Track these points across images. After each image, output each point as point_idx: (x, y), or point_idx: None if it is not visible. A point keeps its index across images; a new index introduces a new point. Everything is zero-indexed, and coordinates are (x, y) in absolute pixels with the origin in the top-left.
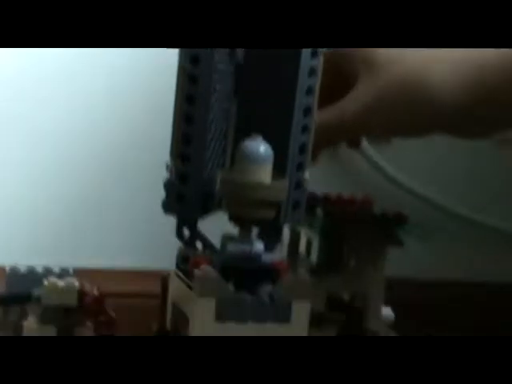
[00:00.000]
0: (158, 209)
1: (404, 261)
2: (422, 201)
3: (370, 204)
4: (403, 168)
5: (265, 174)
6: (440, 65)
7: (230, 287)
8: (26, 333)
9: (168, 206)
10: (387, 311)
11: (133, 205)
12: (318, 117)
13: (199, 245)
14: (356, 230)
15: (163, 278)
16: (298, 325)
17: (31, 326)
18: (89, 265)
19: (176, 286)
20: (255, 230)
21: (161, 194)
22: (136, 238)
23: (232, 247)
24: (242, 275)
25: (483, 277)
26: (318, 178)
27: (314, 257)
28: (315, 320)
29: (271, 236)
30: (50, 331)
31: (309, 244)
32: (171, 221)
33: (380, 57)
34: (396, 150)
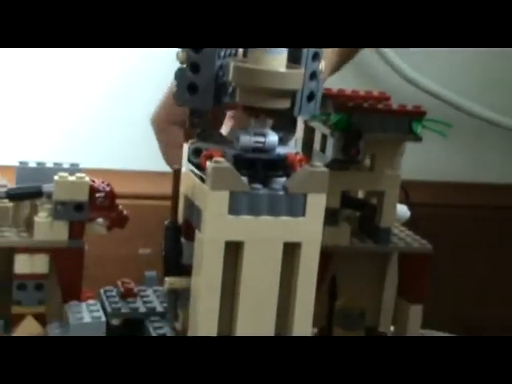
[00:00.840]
0: None
1: (421, 161)
2: (440, 100)
3: (387, 99)
4: (421, 68)
5: (279, 63)
6: None
7: (244, 179)
8: (37, 228)
9: (179, 97)
10: (403, 209)
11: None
12: None
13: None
14: (373, 124)
15: (175, 171)
16: (313, 218)
17: (43, 220)
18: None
19: (188, 179)
20: (269, 122)
21: None
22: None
23: (245, 139)
24: (256, 167)
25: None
26: (333, 79)
27: (328, 153)
28: (329, 216)
29: (286, 128)
30: (62, 227)
31: (323, 140)
32: None
33: None
34: (415, 52)
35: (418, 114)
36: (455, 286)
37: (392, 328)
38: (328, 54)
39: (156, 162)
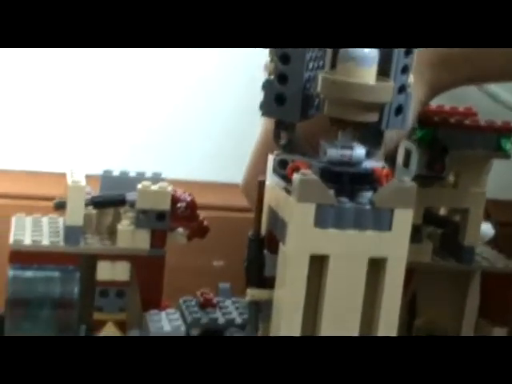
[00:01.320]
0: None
1: (504, 179)
2: None
3: (473, 114)
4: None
5: (369, 76)
6: None
7: (331, 192)
8: (119, 236)
9: (266, 108)
10: (487, 227)
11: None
12: None
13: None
14: (459, 140)
15: (260, 182)
16: (399, 234)
17: (125, 228)
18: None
19: (272, 191)
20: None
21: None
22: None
23: (332, 152)
24: (343, 180)
25: None
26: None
27: (412, 168)
28: (412, 232)
29: (372, 142)
30: (144, 235)
31: (407, 155)
32: None
33: None
34: None
35: (507, 131)
36: None
37: None
38: (417, 92)
39: (231, 174)
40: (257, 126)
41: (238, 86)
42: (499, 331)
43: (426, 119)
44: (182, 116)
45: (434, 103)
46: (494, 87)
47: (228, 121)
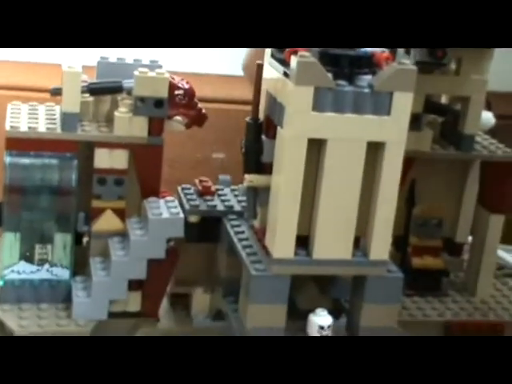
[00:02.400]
0: None
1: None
2: None
3: None
4: None
5: None
6: None
7: (329, 75)
8: (117, 123)
9: None
10: (488, 116)
11: None
12: None
13: None
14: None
15: (258, 65)
16: (398, 118)
17: (123, 115)
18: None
19: (271, 75)
20: None
21: None
22: None
23: None
24: (342, 63)
25: None
26: None
27: (413, 54)
28: (410, 120)
29: None
30: (142, 123)
31: None
32: None
33: None
34: None
35: None
36: None
37: (470, 238)
38: None
39: (230, 66)
40: None
41: None
42: (496, 219)
43: None
44: None
45: None
46: None
47: None
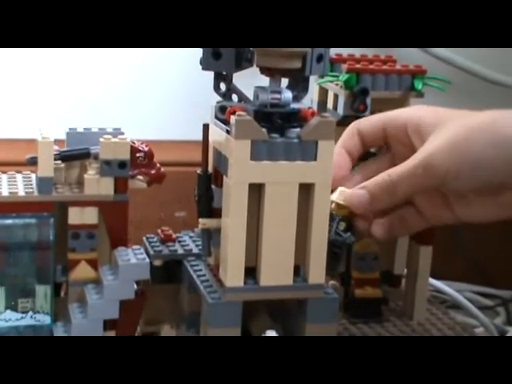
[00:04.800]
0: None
1: None
2: (444, 63)
3: (393, 61)
4: None
5: None
6: None
7: (263, 130)
8: (86, 184)
9: (205, 63)
10: None
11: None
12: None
13: (234, 98)
14: (378, 82)
15: (204, 126)
16: (324, 162)
17: (91, 177)
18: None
19: (216, 133)
20: (284, 83)
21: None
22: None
23: (264, 96)
24: (274, 120)
25: None
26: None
27: (340, 110)
28: None
29: (300, 87)
30: (108, 183)
31: (335, 99)
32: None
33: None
34: None
35: (419, 72)
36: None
37: (405, 271)
38: None
39: (189, 132)
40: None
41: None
42: (425, 250)
43: (350, 65)
44: (137, 80)
45: (357, 52)
46: None
47: (183, 81)
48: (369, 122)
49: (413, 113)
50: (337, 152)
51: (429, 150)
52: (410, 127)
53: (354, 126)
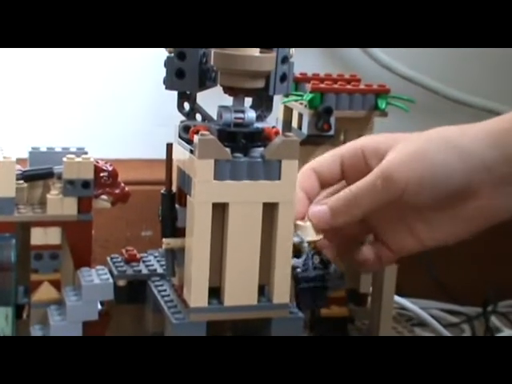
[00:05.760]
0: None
1: None
2: (410, 83)
3: (357, 81)
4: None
5: (254, 49)
6: None
7: (227, 150)
8: (49, 204)
9: (169, 83)
10: None
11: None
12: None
13: (198, 117)
14: (342, 102)
15: (168, 145)
16: (287, 181)
17: (54, 197)
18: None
19: (179, 153)
20: (248, 102)
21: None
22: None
23: (227, 115)
24: (237, 139)
25: None
26: (308, 61)
27: (304, 129)
28: None
29: (263, 106)
30: (72, 203)
31: (300, 118)
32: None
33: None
34: None
35: (382, 92)
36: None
37: (371, 289)
38: None
39: (155, 151)
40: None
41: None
42: (390, 269)
43: (314, 85)
44: (101, 99)
45: (322, 71)
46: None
47: (150, 100)
48: (324, 160)
49: (368, 139)
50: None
51: (387, 163)
52: (368, 151)
53: (310, 167)
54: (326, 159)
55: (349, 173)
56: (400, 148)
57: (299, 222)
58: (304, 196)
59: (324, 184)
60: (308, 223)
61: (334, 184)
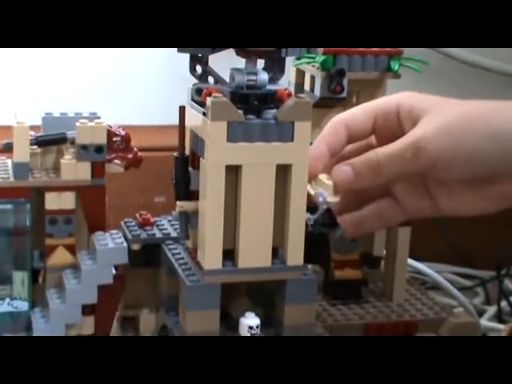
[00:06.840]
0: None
1: None
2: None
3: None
4: None
5: None
6: None
7: (239, 111)
8: (63, 169)
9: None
10: None
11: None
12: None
13: (210, 80)
14: (355, 63)
15: (181, 108)
16: (300, 143)
17: (68, 162)
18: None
19: (192, 116)
20: (260, 64)
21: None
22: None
23: (240, 78)
24: (250, 101)
25: None
26: None
27: (316, 91)
28: None
29: (276, 68)
30: (85, 167)
31: (312, 81)
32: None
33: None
34: None
35: (395, 53)
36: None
37: (384, 252)
38: None
39: (167, 117)
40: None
41: None
42: (404, 231)
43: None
44: (114, 64)
45: None
46: None
47: (162, 67)
48: (357, 116)
49: (403, 97)
50: (316, 146)
51: (420, 133)
52: (402, 110)
53: (341, 121)
54: (359, 115)
55: (380, 130)
56: (434, 117)
57: (323, 179)
58: (326, 150)
59: (352, 139)
60: (331, 182)
61: (362, 139)
